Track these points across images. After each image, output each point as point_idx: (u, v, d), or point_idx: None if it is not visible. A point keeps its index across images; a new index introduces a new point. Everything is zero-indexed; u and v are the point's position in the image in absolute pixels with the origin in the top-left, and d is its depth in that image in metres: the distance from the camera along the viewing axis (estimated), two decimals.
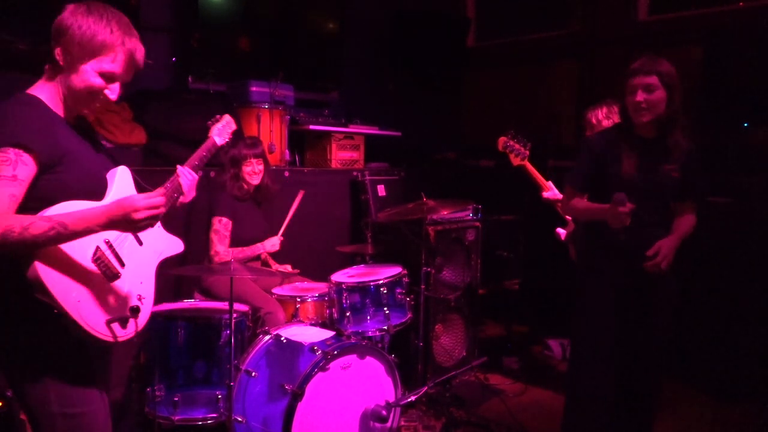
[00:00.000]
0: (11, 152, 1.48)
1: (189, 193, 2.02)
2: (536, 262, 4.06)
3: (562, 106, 5.21)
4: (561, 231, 3.58)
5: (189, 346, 2.72)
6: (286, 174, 3.96)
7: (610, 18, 4.90)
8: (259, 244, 3.34)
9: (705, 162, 3.02)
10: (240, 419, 2.63)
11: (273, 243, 3.37)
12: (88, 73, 1.62)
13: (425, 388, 3.00)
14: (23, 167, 1.49)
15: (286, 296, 3.17)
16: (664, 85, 2.41)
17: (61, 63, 1.62)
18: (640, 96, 2.41)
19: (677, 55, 4.39)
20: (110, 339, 1.65)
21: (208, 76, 4.08)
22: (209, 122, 2.30)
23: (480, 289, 4.11)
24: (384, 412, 2.73)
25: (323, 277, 3.30)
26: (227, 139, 2.31)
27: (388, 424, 2.82)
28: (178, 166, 1.89)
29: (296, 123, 4.32)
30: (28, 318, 1.58)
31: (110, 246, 1.69)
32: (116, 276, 1.68)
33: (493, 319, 4.87)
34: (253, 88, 3.97)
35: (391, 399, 2.83)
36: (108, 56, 1.63)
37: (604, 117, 3.45)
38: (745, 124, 4.00)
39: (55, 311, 1.52)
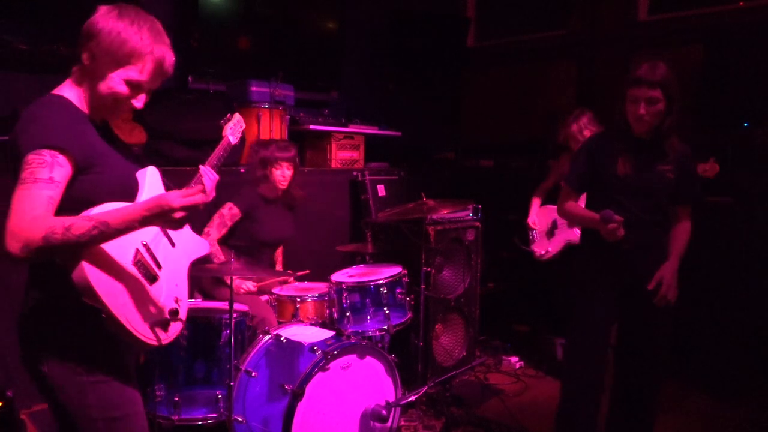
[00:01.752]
0: (47, 154, 1.45)
1: (210, 194, 1.95)
2: (536, 261, 4.06)
3: (561, 106, 5.21)
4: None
5: (189, 345, 2.71)
6: None
7: (610, 18, 4.89)
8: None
9: (705, 162, 3.04)
10: (240, 419, 2.63)
11: (247, 286, 3.23)
12: (114, 81, 1.58)
13: (425, 388, 3.00)
14: (59, 169, 1.46)
15: (285, 296, 3.17)
16: (666, 97, 2.41)
17: (89, 68, 1.58)
18: (643, 109, 2.41)
19: (677, 55, 4.42)
20: (155, 342, 1.63)
21: (208, 75, 4.08)
22: (221, 121, 2.27)
23: (480, 289, 4.11)
24: (384, 412, 2.73)
25: (323, 277, 3.30)
26: (239, 138, 2.30)
27: (388, 424, 2.82)
28: (201, 166, 1.84)
29: (296, 123, 4.31)
30: (70, 322, 1.57)
31: (148, 248, 1.67)
32: (155, 278, 1.67)
33: (493, 319, 4.87)
34: (253, 88, 3.97)
35: (391, 399, 2.83)
36: (136, 65, 1.58)
37: (586, 126, 3.56)
38: (745, 124, 4.00)
39: (103, 315, 1.49)
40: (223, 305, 2.89)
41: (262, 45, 4.45)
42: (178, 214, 1.51)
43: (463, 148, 5.71)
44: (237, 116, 2.30)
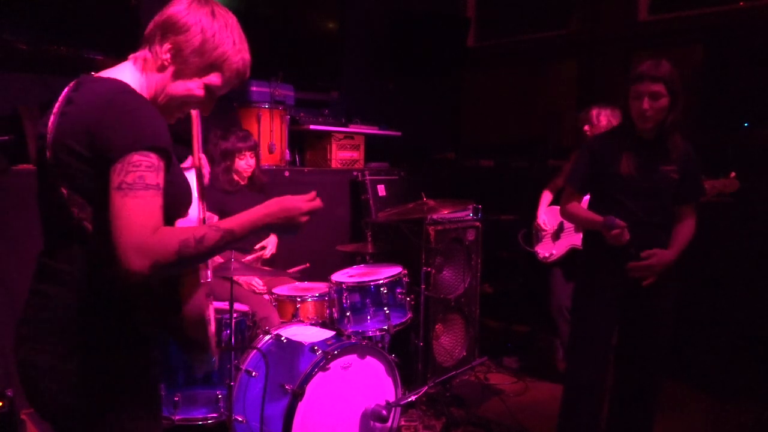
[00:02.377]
0: (154, 157, 1.27)
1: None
2: (536, 261, 4.06)
3: (561, 106, 5.21)
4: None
5: None
6: (287, 174, 3.96)
7: (610, 18, 4.89)
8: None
9: (705, 162, 3.02)
10: (240, 419, 2.63)
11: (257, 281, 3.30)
12: (195, 83, 1.43)
13: (425, 388, 3.00)
14: (162, 174, 1.28)
15: (285, 296, 3.17)
16: (669, 92, 2.40)
17: (166, 63, 1.40)
18: (647, 104, 2.40)
19: (677, 55, 4.41)
20: (215, 355, 1.51)
21: None
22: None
23: (480, 289, 4.11)
24: (384, 412, 2.73)
25: (323, 276, 3.30)
26: None
27: (389, 424, 2.82)
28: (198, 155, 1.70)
29: (296, 123, 4.31)
30: (122, 362, 1.39)
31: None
32: (210, 294, 1.55)
33: (493, 319, 4.87)
34: (254, 88, 3.97)
35: (392, 399, 2.83)
36: (223, 71, 1.43)
37: (607, 118, 3.51)
38: (746, 124, 4.00)
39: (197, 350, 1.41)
40: (223, 305, 2.89)
41: (262, 45, 4.40)
42: (304, 218, 1.40)
43: (463, 148, 5.71)
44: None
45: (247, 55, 1.46)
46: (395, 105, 5.21)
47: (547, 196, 3.97)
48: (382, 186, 4.33)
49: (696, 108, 4.17)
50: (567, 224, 3.77)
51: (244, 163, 3.33)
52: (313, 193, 1.46)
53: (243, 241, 1.36)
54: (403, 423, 3.19)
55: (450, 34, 5.52)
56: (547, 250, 3.91)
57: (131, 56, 1.44)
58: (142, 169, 1.24)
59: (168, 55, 1.40)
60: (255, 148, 3.39)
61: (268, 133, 3.97)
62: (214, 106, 1.51)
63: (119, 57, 1.50)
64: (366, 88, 5.21)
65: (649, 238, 2.51)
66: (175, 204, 1.38)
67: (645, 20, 4.78)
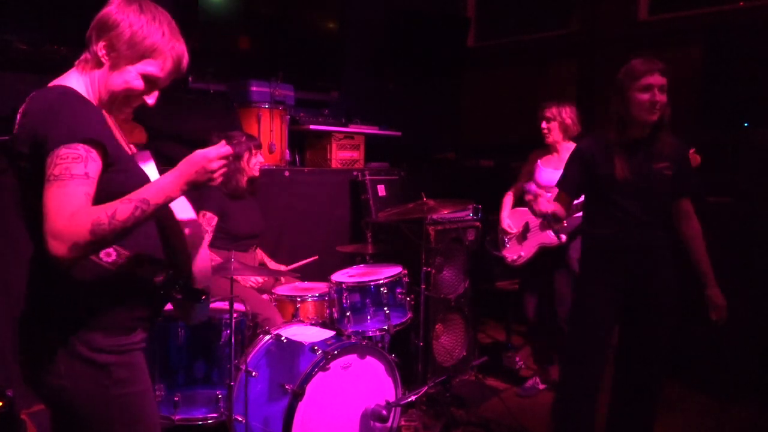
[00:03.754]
0: (81, 148, 1.36)
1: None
2: (536, 261, 4.06)
3: None
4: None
5: (189, 345, 2.72)
6: (287, 174, 3.96)
7: (610, 18, 4.90)
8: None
9: (705, 162, 3.02)
10: (240, 419, 2.63)
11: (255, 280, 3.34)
12: (131, 74, 1.52)
13: (425, 388, 3.00)
14: (93, 164, 1.38)
15: (285, 296, 3.17)
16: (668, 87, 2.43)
17: (103, 59, 1.51)
18: (659, 96, 2.40)
19: (677, 55, 4.42)
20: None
21: (208, 75, 4.08)
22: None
23: (480, 289, 4.11)
24: (384, 412, 2.73)
25: (323, 277, 3.30)
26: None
27: (389, 424, 2.82)
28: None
29: (296, 123, 4.32)
30: (101, 328, 1.48)
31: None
32: None
33: (493, 319, 4.87)
34: (254, 88, 3.97)
35: (392, 399, 2.83)
36: (157, 60, 1.53)
37: (570, 115, 3.55)
38: (746, 124, 4.00)
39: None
40: (223, 305, 2.89)
41: (262, 45, 4.45)
42: (216, 165, 1.47)
43: (463, 148, 5.71)
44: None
45: (179, 46, 1.57)
46: (395, 105, 5.21)
47: (509, 199, 3.92)
48: (382, 186, 4.33)
49: (696, 108, 4.18)
50: (533, 224, 3.69)
51: (257, 162, 3.36)
52: (222, 142, 1.55)
53: (163, 206, 1.43)
54: (403, 423, 3.19)
55: (450, 34, 5.53)
56: (515, 252, 3.82)
57: (76, 62, 1.55)
58: (68, 161, 1.34)
59: (103, 51, 1.51)
60: (261, 147, 3.47)
61: (268, 133, 3.97)
62: (157, 98, 1.61)
63: None
64: (366, 88, 5.21)
65: (649, 239, 2.51)
66: (126, 190, 1.42)
67: (645, 20, 4.79)
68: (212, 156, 1.46)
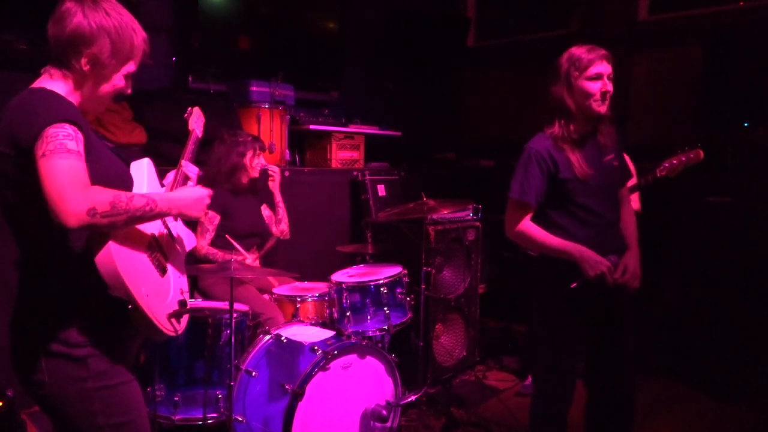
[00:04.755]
0: (68, 127, 1.37)
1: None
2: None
3: None
4: None
5: (189, 345, 2.72)
6: (287, 174, 3.96)
7: (610, 18, 4.89)
8: (234, 256, 3.05)
9: (705, 161, 3.00)
10: (240, 419, 2.63)
11: (250, 260, 3.32)
12: (117, 78, 1.57)
13: (425, 387, 3.00)
14: (80, 144, 1.39)
15: (285, 296, 3.17)
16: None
17: (86, 72, 1.51)
18: (610, 85, 2.27)
19: (677, 55, 4.42)
20: (173, 333, 1.61)
21: (208, 75, 4.08)
22: (186, 115, 2.27)
23: (480, 288, 4.11)
24: (384, 412, 2.73)
25: (323, 277, 3.30)
26: (202, 130, 2.29)
27: (389, 424, 2.82)
28: (182, 161, 1.90)
29: (296, 123, 4.32)
30: (75, 324, 1.49)
31: (156, 241, 1.67)
32: (165, 270, 1.67)
33: (493, 319, 4.87)
34: (254, 88, 3.97)
35: (392, 399, 2.83)
36: (136, 57, 1.59)
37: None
38: (746, 124, 4.00)
39: (129, 307, 1.47)
40: (223, 305, 2.89)
41: (262, 45, 4.45)
42: (208, 200, 1.63)
43: (463, 148, 5.71)
44: (196, 109, 2.30)
45: (144, 34, 1.61)
46: (395, 105, 5.21)
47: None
48: (382, 186, 4.33)
49: (696, 108, 4.18)
50: None
51: (259, 161, 3.39)
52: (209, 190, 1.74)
53: (161, 216, 1.56)
54: (403, 423, 3.19)
55: (450, 34, 5.52)
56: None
57: (43, 70, 1.55)
58: (61, 138, 1.35)
59: (88, 67, 1.51)
60: (264, 148, 3.52)
61: (268, 133, 3.97)
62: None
63: None
64: (366, 88, 5.21)
65: (617, 237, 2.39)
66: (108, 185, 1.44)
67: (645, 20, 4.78)
68: (207, 194, 1.66)
